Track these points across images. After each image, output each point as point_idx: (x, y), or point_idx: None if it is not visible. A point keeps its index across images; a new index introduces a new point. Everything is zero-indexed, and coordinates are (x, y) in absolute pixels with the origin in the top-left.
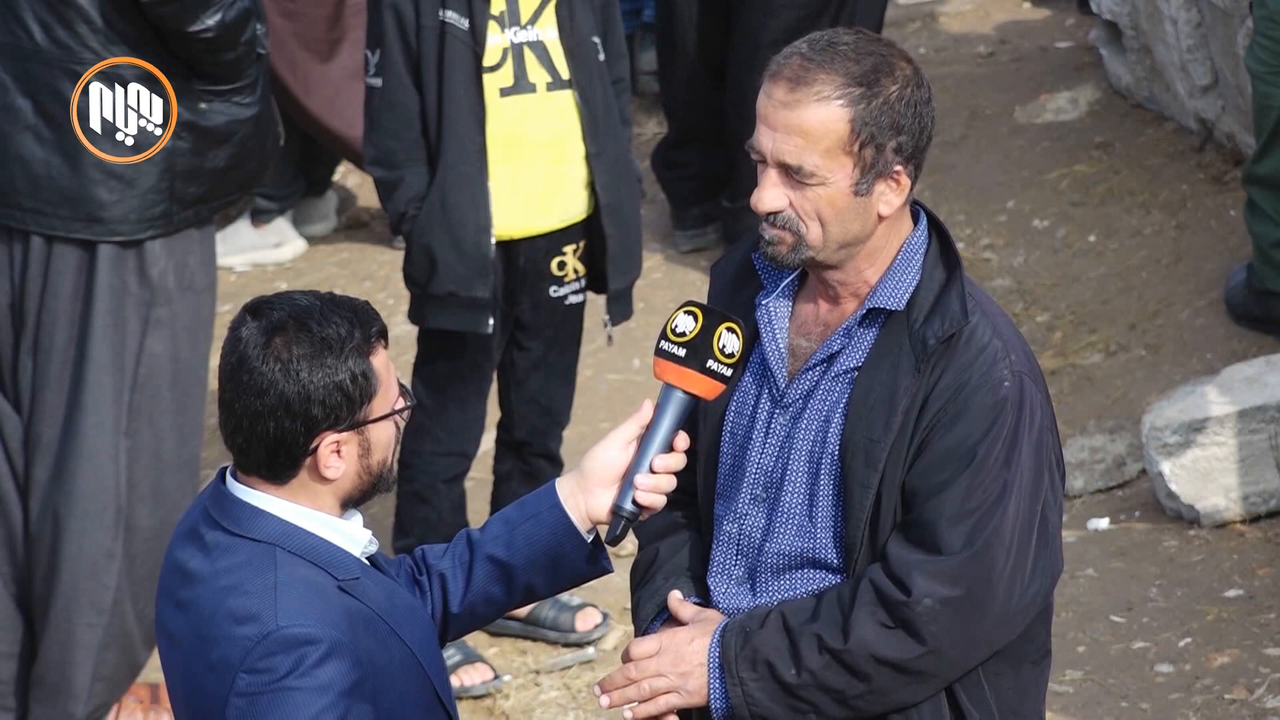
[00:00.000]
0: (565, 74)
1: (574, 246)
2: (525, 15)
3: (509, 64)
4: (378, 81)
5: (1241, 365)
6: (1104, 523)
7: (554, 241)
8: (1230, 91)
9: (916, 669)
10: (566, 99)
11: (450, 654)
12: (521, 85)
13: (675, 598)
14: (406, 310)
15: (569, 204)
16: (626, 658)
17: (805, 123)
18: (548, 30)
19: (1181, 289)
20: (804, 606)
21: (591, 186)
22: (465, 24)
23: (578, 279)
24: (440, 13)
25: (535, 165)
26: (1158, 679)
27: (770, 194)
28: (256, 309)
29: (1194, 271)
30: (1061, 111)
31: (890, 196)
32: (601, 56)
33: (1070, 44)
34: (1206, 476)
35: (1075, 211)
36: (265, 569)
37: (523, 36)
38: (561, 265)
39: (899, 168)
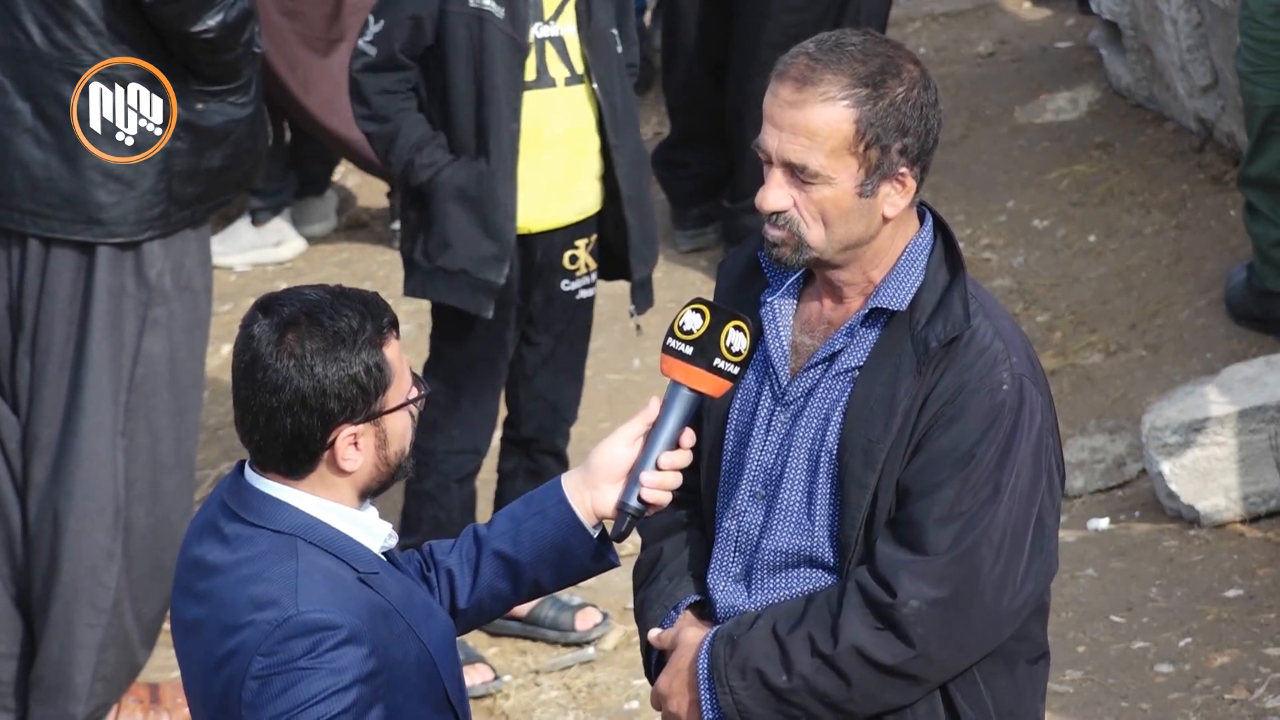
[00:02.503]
0: (580, 68)
1: (586, 240)
2: (549, 10)
3: (532, 58)
4: (371, 50)
5: (1241, 365)
6: (1104, 523)
7: (568, 235)
8: (1230, 91)
9: (906, 671)
10: (582, 93)
11: None
12: (543, 80)
13: (653, 635)
14: (405, 310)
15: (585, 197)
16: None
17: (811, 123)
18: (567, 25)
19: (1181, 289)
20: (792, 611)
21: (603, 179)
22: (502, 12)
23: (588, 273)
24: (477, 1)
25: (554, 159)
26: (1158, 679)
27: (774, 194)
28: (267, 306)
29: (1194, 271)
30: (1061, 111)
31: (895, 198)
32: (619, 48)
33: (1070, 44)
34: (1206, 476)
35: (1075, 211)
36: (287, 558)
37: (545, 31)
38: (573, 259)
39: (904, 170)
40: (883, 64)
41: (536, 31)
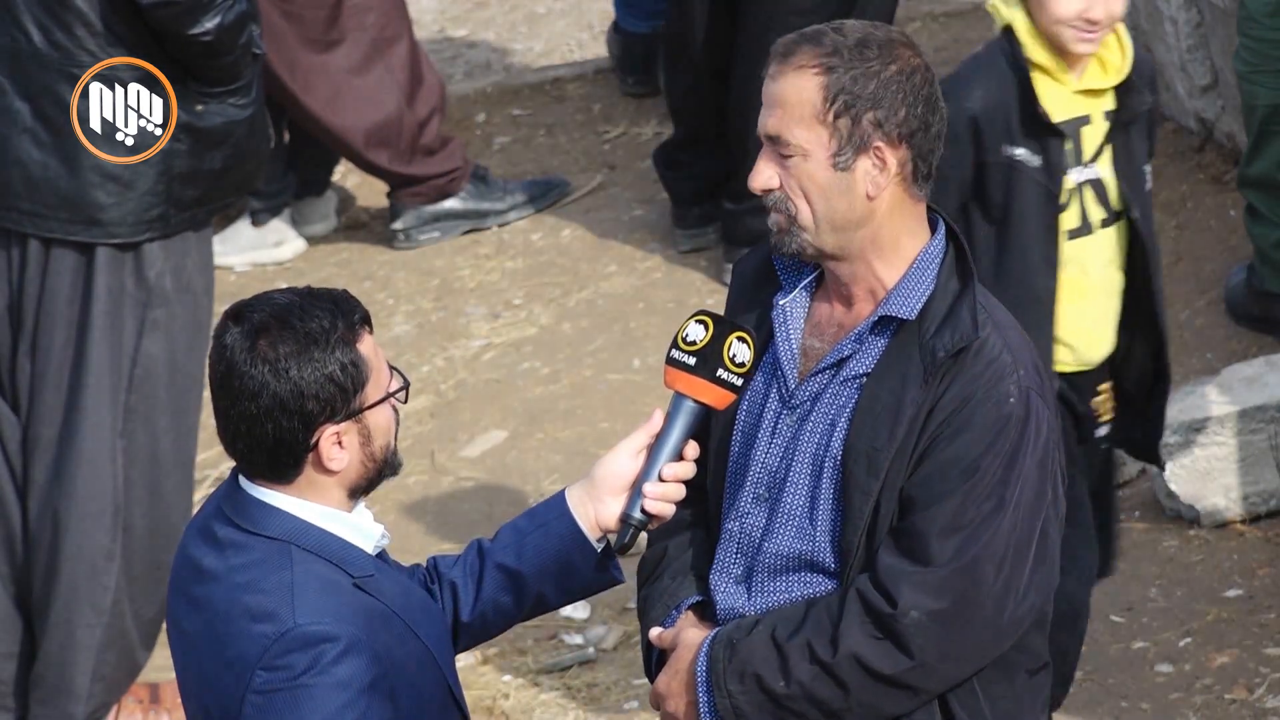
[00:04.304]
0: (1117, 206)
1: (1107, 385)
2: (1088, 152)
3: (1074, 204)
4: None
5: (1241, 365)
6: None
7: (1093, 379)
8: (1230, 91)
9: (905, 682)
10: (1114, 234)
11: None
12: (1084, 227)
13: (654, 634)
14: (405, 311)
15: (1109, 340)
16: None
17: (784, 92)
18: (1105, 166)
19: (1181, 289)
20: (792, 616)
21: (1125, 320)
22: (1038, 161)
23: (1109, 418)
24: (1007, 149)
25: (1093, 303)
26: (1158, 679)
27: (762, 171)
28: (237, 314)
29: (1194, 271)
30: None
31: (876, 176)
32: (1149, 185)
33: None
34: (1206, 476)
35: None
36: (281, 566)
37: (1084, 175)
38: (1099, 404)
39: (880, 144)
40: (864, 38)
41: (1077, 175)
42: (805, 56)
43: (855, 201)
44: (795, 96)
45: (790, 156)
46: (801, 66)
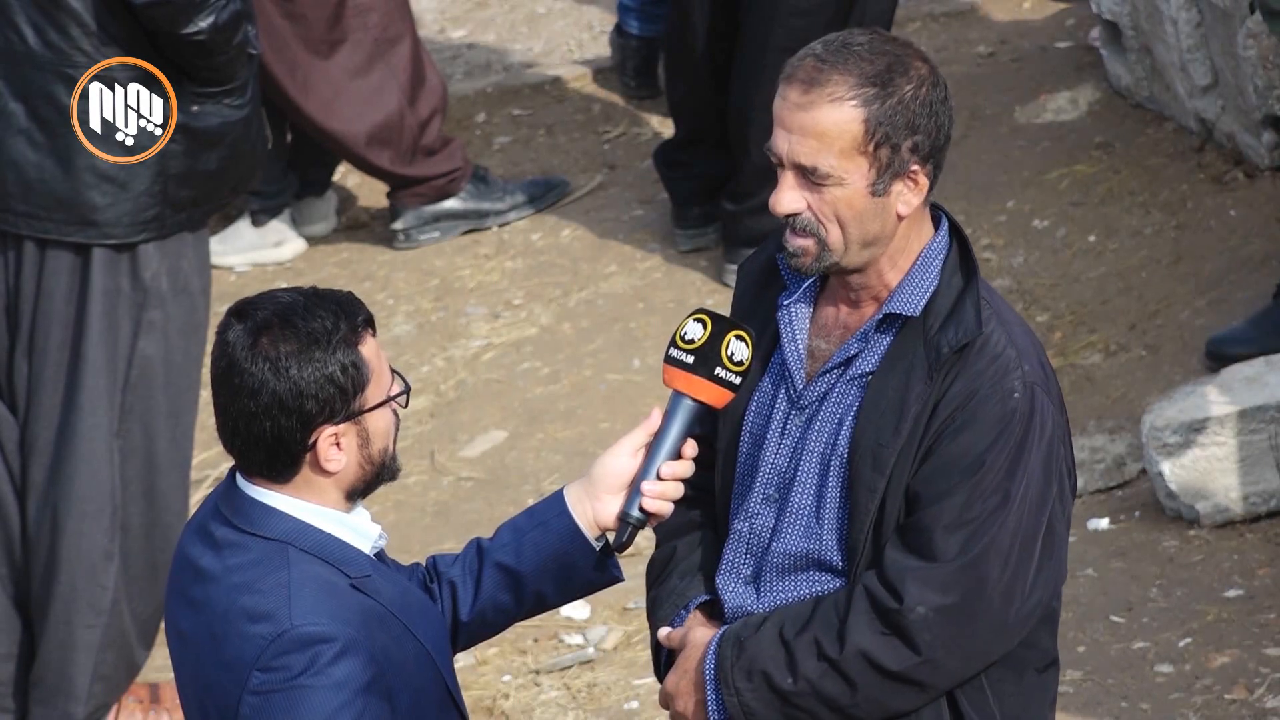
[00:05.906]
0: None
1: None
2: None
3: None
4: None
5: (1241, 365)
6: (1104, 523)
7: None
8: (1230, 91)
9: (912, 678)
10: None
11: None
12: None
13: (663, 634)
14: (405, 311)
15: None
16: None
17: (820, 124)
18: None
19: (1181, 289)
20: (799, 614)
21: None
22: None
23: None
24: None
25: None
26: (1158, 679)
27: (788, 196)
28: (241, 311)
29: (1194, 271)
30: (1061, 111)
31: (909, 196)
32: None
33: (1070, 44)
34: (1206, 476)
35: (1075, 211)
36: (278, 567)
37: None
38: None
39: (916, 167)
40: (890, 62)
41: None
42: (839, 86)
43: (887, 221)
44: (834, 130)
45: (823, 185)
46: (838, 98)
